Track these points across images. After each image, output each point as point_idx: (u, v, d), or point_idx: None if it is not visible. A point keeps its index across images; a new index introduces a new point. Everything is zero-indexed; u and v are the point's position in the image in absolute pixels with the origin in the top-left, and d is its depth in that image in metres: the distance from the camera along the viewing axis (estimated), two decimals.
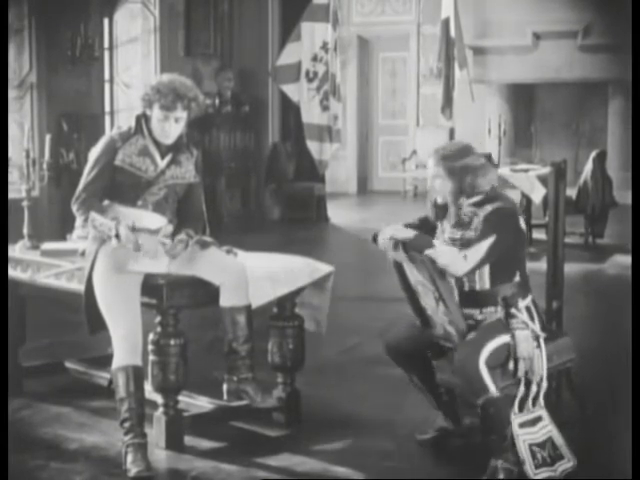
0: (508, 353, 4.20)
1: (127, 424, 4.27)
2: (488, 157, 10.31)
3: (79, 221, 4.70)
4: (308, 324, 4.97)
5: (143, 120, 4.54)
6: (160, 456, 4.42)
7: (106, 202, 4.49)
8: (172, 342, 4.47)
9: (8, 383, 4.95)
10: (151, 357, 4.48)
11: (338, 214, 13.87)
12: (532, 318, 4.27)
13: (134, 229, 4.32)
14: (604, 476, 4.22)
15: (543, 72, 15.88)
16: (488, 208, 4.26)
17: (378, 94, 17.84)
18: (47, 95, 9.86)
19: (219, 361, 4.67)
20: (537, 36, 15.96)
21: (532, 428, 4.16)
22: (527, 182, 10.10)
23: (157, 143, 4.54)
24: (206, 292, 4.52)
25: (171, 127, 4.49)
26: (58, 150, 9.54)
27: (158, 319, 4.49)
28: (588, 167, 11.07)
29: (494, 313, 4.27)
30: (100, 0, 10.66)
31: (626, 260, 8.52)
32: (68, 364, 5.49)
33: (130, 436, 4.25)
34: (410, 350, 4.44)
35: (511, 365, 4.21)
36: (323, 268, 4.93)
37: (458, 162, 4.29)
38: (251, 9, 12.97)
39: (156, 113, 4.47)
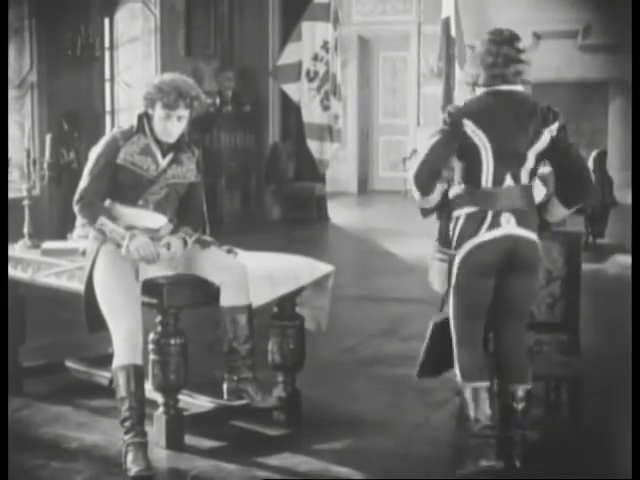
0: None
1: (127, 423, 4.27)
2: None
3: (80, 220, 4.70)
4: (308, 324, 4.97)
5: (145, 119, 4.54)
6: (160, 455, 4.43)
7: (107, 202, 4.49)
8: (172, 341, 4.47)
9: (8, 383, 4.95)
10: (152, 356, 4.48)
11: (338, 214, 13.86)
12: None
13: (152, 239, 4.38)
14: (604, 476, 4.22)
15: (543, 72, 15.84)
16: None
17: (379, 94, 17.84)
18: (47, 95, 9.86)
19: (219, 360, 4.67)
20: (537, 36, 15.97)
21: None
22: None
23: (159, 142, 4.53)
24: (206, 292, 4.52)
25: (173, 126, 4.48)
26: (59, 149, 9.54)
27: (159, 318, 4.50)
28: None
29: None
30: (101, 0, 10.66)
31: (626, 260, 8.52)
32: (68, 363, 5.49)
33: (130, 435, 4.25)
34: None
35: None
36: (323, 268, 4.93)
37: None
38: (251, 9, 12.97)
39: (158, 112, 4.47)
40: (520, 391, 4.16)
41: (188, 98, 4.47)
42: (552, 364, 4.61)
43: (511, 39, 4.16)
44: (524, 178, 4.15)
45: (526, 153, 4.12)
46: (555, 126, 4.13)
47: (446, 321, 4.26)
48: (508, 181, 4.11)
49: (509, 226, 4.09)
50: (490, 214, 4.08)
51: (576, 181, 4.19)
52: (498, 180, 4.10)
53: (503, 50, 4.14)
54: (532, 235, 4.15)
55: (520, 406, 4.16)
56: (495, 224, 4.08)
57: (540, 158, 4.18)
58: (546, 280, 4.57)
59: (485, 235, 4.08)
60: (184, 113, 4.48)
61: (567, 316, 4.59)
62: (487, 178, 4.10)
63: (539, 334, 4.72)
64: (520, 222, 4.11)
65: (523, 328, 4.27)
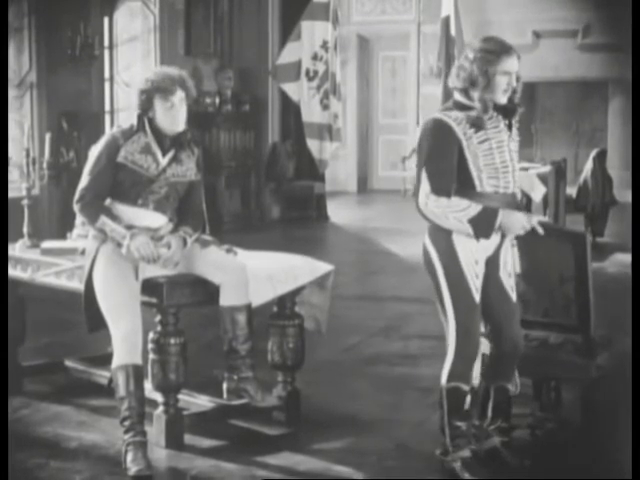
0: None
1: (127, 423, 4.26)
2: None
3: (79, 219, 4.68)
4: (308, 323, 4.96)
5: (145, 118, 4.53)
6: (160, 455, 4.42)
7: (107, 201, 4.49)
8: (172, 341, 4.47)
9: (8, 382, 4.95)
10: (151, 356, 4.48)
11: (338, 213, 13.86)
12: None
13: (152, 238, 4.38)
14: (604, 476, 4.22)
15: (543, 71, 15.87)
16: None
17: (378, 93, 17.84)
18: (47, 94, 9.86)
19: (219, 360, 4.67)
20: (537, 35, 15.97)
21: None
22: (527, 181, 10.09)
23: (159, 141, 4.52)
24: (206, 291, 4.52)
25: (178, 112, 4.47)
26: (58, 149, 9.54)
27: (158, 318, 4.50)
28: (588, 166, 11.06)
29: None
30: None
31: (626, 258, 8.52)
32: (68, 363, 5.49)
33: (130, 435, 4.25)
34: None
35: None
36: (323, 267, 4.93)
37: None
38: (251, 8, 12.96)
39: (159, 105, 4.45)
40: None
41: (180, 80, 4.49)
42: (567, 365, 4.57)
43: None
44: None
45: None
46: None
47: None
48: None
49: None
50: None
51: None
52: None
53: None
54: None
55: None
56: None
57: None
58: (559, 281, 4.54)
59: None
60: (182, 95, 4.49)
61: (580, 317, 4.54)
62: None
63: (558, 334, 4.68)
64: None
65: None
